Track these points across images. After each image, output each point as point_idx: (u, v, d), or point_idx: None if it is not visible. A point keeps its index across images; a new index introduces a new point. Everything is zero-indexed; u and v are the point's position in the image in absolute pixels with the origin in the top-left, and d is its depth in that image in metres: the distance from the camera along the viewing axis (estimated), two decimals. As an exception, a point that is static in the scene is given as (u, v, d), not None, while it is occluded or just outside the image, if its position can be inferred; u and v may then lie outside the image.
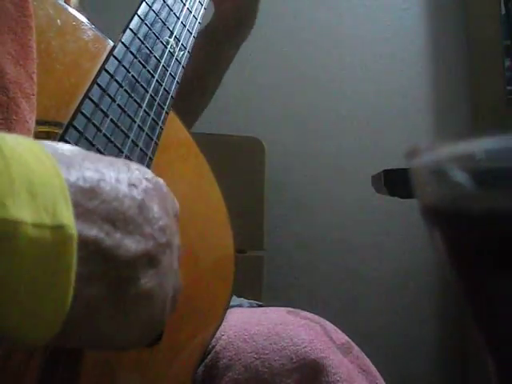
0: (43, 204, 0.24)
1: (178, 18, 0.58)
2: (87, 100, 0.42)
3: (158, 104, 0.50)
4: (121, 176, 0.30)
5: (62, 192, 0.25)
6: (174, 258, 0.33)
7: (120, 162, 0.31)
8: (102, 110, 0.42)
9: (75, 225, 0.25)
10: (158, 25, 0.54)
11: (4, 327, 0.24)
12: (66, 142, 0.39)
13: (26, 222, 0.23)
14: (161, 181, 0.34)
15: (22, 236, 0.23)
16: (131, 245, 0.28)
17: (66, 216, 0.25)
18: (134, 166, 0.32)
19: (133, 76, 0.47)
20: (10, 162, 0.24)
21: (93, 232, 0.26)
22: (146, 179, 0.32)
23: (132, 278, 0.28)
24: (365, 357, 0.57)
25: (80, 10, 0.48)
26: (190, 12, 0.62)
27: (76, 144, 0.39)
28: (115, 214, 0.28)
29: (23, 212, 0.23)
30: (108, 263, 0.27)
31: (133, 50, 0.49)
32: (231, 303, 0.56)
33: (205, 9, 0.66)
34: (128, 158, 0.44)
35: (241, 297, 0.73)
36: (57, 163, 0.26)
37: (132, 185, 0.30)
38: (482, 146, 0.16)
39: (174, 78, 0.53)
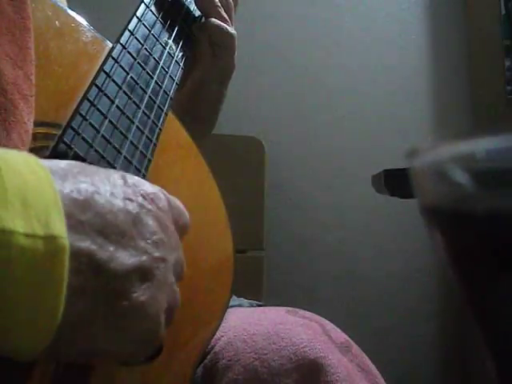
0: (36, 214, 0.24)
1: (178, 19, 0.58)
2: (85, 101, 0.42)
3: (157, 105, 0.49)
4: (116, 190, 0.30)
5: (55, 203, 0.25)
6: (170, 272, 0.33)
7: (116, 176, 0.31)
8: (99, 111, 0.42)
9: (68, 236, 0.25)
10: (157, 26, 0.54)
11: None
12: (64, 143, 0.39)
13: (18, 231, 0.23)
14: (162, 195, 0.34)
15: (14, 245, 0.23)
16: (124, 258, 0.28)
17: (59, 227, 0.25)
18: (131, 180, 0.32)
19: (131, 77, 0.47)
20: (3, 172, 0.24)
21: (85, 244, 0.26)
22: (142, 194, 0.32)
23: (124, 292, 0.28)
24: (364, 356, 0.56)
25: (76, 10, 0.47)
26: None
27: (74, 145, 0.39)
28: (109, 227, 0.28)
29: (16, 222, 0.23)
30: (100, 276, 0.27)
31: (131, 51, 0.48)
32: (231, 303, 0.56)
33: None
34: (127, 159, 0.44)
35: (241, 297, 0.73)
36: (51, 175, 0.26)
37: (127, 199, 0.30)
38: (482, 145, 0.16)
39: (173, 80, 0.53)
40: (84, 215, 0.27)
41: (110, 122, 0.43)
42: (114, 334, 0.29)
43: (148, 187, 0.33)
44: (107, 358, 0.32)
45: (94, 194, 0.28)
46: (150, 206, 0.32)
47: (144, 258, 0.30)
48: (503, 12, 1.47)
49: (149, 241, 0.30)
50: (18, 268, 0.23)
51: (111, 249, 0.28)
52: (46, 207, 0.25)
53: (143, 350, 0.32)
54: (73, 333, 0.27)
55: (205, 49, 0.64)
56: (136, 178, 0.33)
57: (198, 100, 0.67)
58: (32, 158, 0.26)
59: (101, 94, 0.43)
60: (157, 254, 0.31)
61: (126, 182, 0.32)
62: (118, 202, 0.29)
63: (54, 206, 0.25)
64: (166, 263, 0.32)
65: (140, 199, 0.31)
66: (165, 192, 0.35)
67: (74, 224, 0.26)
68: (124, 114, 0.45)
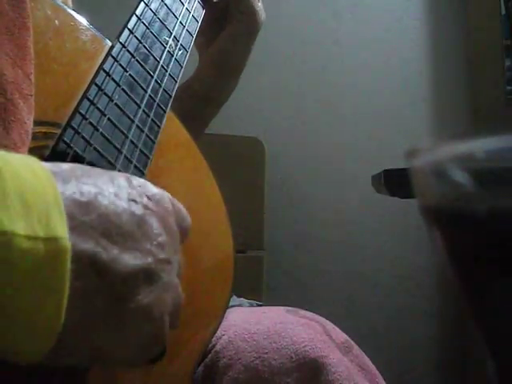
0: (37, 216, 0.24)
1: (177, 18, 0.58)
2: (85, 100, 0.42)
3: (157, 104, 0.49)
4: (120, 191, 0.30)
5: (56, 204, 0.25)
6: (174, 274, 0.33)
7: (121, 178, 0.31)
8: (99, 110, 0.42)
9: (69, 237, 0.25)
10: (157, 24, 0.54)
11: None
12: (64, 142, 0.39)
13: (19, 233, 0.23)
14: (166, 197, 0.34)
15: (15, 248, 0.23)
16: (128, 260, 0.28)
17: (60, 228, 0.24)
18: (136, 181, 0.32)
19: (131, 75, 0.47)
20: (4, 175, 0.24)
21: (88, 245, 0.26)
22: (147, 196, 0.32)
23: (129, 294, 0.28)
24: (364, 355, 0.57)
25: (76, 9, 0.47)
26: (189, 12, 0.61)
27: (74, 144, 0.39)
28: (113, 229, 0.28)
29: (17, 224, 0.23)
30: (104, 278, 0.27)
31: (130, 49, 0.48)
32: (231, 303, 0.56)
33: (203, 9, 0.66)
34: (127, 158, 0.44)
35: (241, 297, 0.73)
36: (52, 177, 0.26)
37: (132, 200, 0.30)
38: (482, 145, 0.16)
39: (174, 79, 0.53)
40: (87, 216, 0.26)
41: (110, 120, 0.43)
42: (117, 338, 0.28)
43: (153, 189, 0.33)
44: (109, 362, 0.31)
45: (98, 195, 0.28)
46: (154, 208, 0.31)
47: (149, 259, 0.29)
48: (503, 12, 1.47)
49: (154, 242, 0.30)
50: (18, 271, 0.23)
51: (115, 251, 0.27)
52: (46, 208, 0.24)
53: (146, 354, 0.32)
54: (75, 336, 0.27)
55: (231, 10, 0.70)
56: (141, 180, 0.33)
57: (228, 53, 0.74)
58: (33, 161, 0.26)
59: (100, 92, 0.43)
60: (162, 256, 0.30)
61: (130, 183, 0.31)
62: (123, 204, 0.29)
63: (55, 207, 0.25)
64: (171, 265, 0.32)
65: (145, 200, 0.31)
66: (168, 195, 0.35)
67: (77, 225, 0.26)
68: (124, 112, 0.45)
